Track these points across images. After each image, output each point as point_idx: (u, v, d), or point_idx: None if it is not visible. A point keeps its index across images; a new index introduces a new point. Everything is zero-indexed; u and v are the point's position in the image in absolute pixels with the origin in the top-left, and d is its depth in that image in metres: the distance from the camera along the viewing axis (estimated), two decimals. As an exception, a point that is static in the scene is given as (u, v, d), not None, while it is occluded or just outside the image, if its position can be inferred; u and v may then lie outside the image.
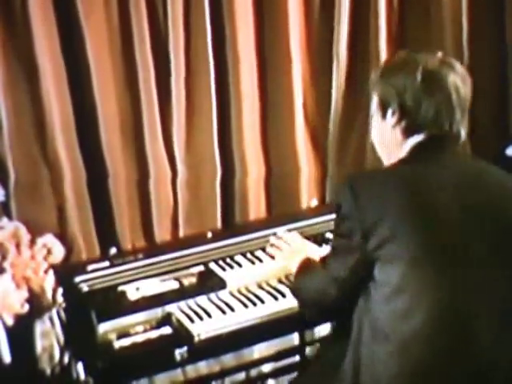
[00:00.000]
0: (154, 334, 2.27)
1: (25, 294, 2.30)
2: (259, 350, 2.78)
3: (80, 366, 2.36)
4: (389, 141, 2.00)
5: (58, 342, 2.42)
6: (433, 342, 1.80)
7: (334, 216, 2.01)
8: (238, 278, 2.49)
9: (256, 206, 3.11)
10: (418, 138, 1.93)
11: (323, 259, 2.07)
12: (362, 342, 1.91)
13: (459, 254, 1.83)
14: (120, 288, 2.43)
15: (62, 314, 2.42)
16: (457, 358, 1.82)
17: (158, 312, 2.34)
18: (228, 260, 2.59)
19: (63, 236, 2.72)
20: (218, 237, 2.72)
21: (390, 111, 1.95)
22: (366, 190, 1.88)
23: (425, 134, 1.92)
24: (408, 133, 1.94)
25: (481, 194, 1.89)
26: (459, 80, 1.92)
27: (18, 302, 2.27)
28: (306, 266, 2.22)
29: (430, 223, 1.83)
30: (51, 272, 2.39)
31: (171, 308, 2.35)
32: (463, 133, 1.95)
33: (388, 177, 1.92)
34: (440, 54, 1.98)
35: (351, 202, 1.86)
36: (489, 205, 1.88)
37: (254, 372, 2.84)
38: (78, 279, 2.46)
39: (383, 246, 1.82)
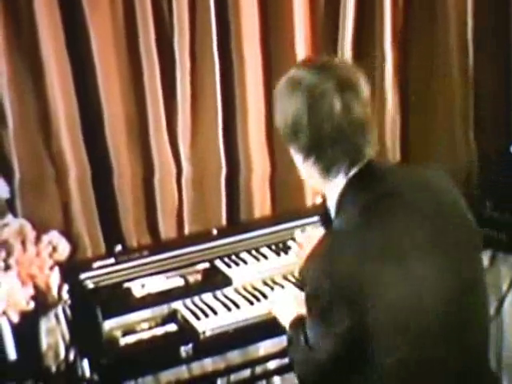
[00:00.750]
0: (159, 331, 2.27)
1: (30, 291, 2.31)
2: (265, 346, 2.77)
3: (85, 363, 2.37)
4: (312, 176, 1.82)
5: (64, 339, 2.43)
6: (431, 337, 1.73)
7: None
8: (243, 274, 2.49)
9: (261, 203, 3.10)
10: (342, 181, 1.74)
11: (305, 333, 1.80)
12: None
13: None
14: (125, 285, 2.43)
15: (68, 311, 2.44)
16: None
17: (163, 309, 2.34)
18: (233, 257, 2.59)
19: (68, 233, 2.72)
20: (223, 234, 2.70)
21: (295, 147, 1.79)
22: (346, 277, 1.62)
23: (344, 175, 1.74)
24: (323, 176, 1.77)
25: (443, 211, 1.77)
26: (352, 97, 1.68)
27: (23, 299, 2.28)
28: (296, 328, 1.91)
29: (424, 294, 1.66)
30: (56, 269, 2.40)
31: (176, 305, 2.36)
32: (371, 151, 1.75)
33: (359, 251, 1.65)
34: (334, 62, 1.78)
35: (335, 296, 1.63)
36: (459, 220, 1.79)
37: (259, 369, 2.83)
38: (83, 276, 2.45)
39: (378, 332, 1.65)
